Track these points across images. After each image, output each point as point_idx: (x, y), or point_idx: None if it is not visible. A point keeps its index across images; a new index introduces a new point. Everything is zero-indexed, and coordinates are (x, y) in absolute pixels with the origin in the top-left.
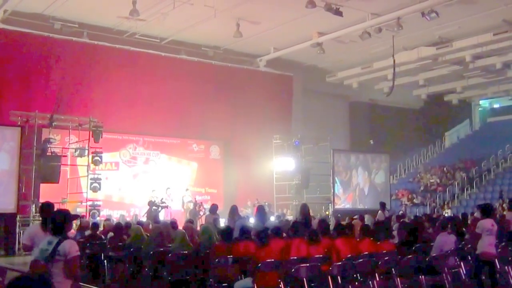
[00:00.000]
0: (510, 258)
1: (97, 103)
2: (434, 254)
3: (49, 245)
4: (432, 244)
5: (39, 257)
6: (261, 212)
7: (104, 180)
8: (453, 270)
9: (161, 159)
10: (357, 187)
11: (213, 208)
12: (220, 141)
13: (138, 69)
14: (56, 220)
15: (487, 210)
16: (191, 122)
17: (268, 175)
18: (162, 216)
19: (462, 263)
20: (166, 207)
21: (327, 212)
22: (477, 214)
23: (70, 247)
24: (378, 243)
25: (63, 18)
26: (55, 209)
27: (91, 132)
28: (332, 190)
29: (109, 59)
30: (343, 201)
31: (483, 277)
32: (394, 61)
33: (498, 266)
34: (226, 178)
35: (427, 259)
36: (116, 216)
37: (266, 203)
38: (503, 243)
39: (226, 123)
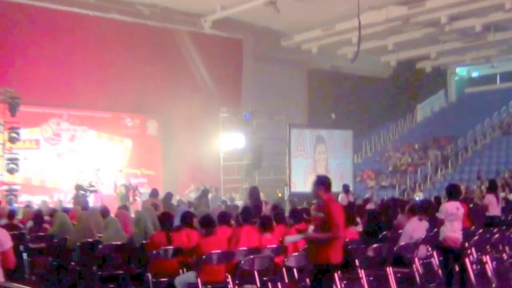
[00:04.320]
0: (487, 246)
1: (14, 71)
2: (403, 243)
3: None
4: (400, 231)
5: None
6: (205, 197)
7: (23, 160)
8: (424, 261)
9: (89, 135)
10: (317, 168)
11: (153, 193)
12: (158, 115)
13: (61, 31)
14: None
15: (452, 192)
16: (124, 93)
17: (214, 154)
18: (91, 201)
19: (434, 253)
20: (96, 191)
21: (279, 195)
22: None
23: (6, 237)
24: None
25: None
26: None
27: (6, 105)
28: (288, 171)
29: (27, 20)
30: (301, 184)
31: (457, 268)
32: (359, 22)
33: (475, 256)
34: (166, 158)
35: (394, 248)
36: (37, 202)
37: (212, 187)
38: (480, 230)
39: (165, 94)
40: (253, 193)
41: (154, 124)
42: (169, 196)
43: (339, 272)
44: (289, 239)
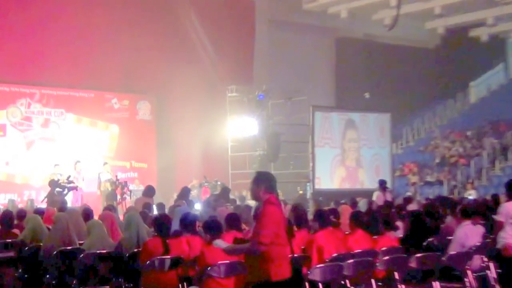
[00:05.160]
0: None
1: None
2: (453, 252)
3: None
4: (450, 238)
5: None
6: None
7: None
8: (478, 274)
9: (67, 120)
10: (346, 159)
11: (149, 191)
12: (151, 95)
13: None
14: None
15: None
16: (109, 68)
17: (221, 143)
18: (70, 201)
19: (491, 264)
20: (75, 188)
21: (300, 192)
22: None
23: None
24: (376, 237)
25: None
26: None
27: None
28: (311, 164)
29: None
30: (327, 179)
31: None
32: None
33: None
34: (161, 147)
35: (443, 258)
36: (2, 201)
37: (218, 182)
38: None
39: (160, 70)
40: None
41: (146, 106)
42: (186, 191)
43: None
44: (218, 243)
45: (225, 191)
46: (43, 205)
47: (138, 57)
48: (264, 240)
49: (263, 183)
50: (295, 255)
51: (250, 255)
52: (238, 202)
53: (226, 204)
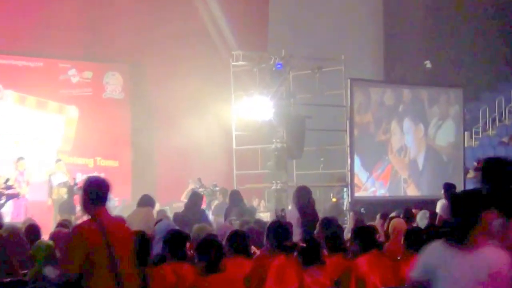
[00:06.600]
0: None
1: None
2: None
3: None
4: None
5: None
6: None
7: None
8: None
9: (5, 99)
10: (401, 155)
11: (146, 200)
12: (123, 64)
13: None
14: None
15: None
16: (65, 26)
17: (222, 132)
18: (9, 214)
19: None
20: (16, 196)
21: (333, 199)
22: None
23: None
24: None
25: None
26: None
27: None
28: (348, 161)
29: None
30: (372, 183)
31: None
32: None
33: None
34: (137, 138)
35: None
36: None
37: (217, 188)
38: None
39: (136, 28)
40: (303, 197)
41: (117, 80)
42: (197, 198)
43: None
44: (49, 271)
45: (235, 196)
46: None
47: (106, 10)
48: (70, 270)
49: (88, 192)
50: None
51: None
52: (245, 216)
53: (231, 218)
